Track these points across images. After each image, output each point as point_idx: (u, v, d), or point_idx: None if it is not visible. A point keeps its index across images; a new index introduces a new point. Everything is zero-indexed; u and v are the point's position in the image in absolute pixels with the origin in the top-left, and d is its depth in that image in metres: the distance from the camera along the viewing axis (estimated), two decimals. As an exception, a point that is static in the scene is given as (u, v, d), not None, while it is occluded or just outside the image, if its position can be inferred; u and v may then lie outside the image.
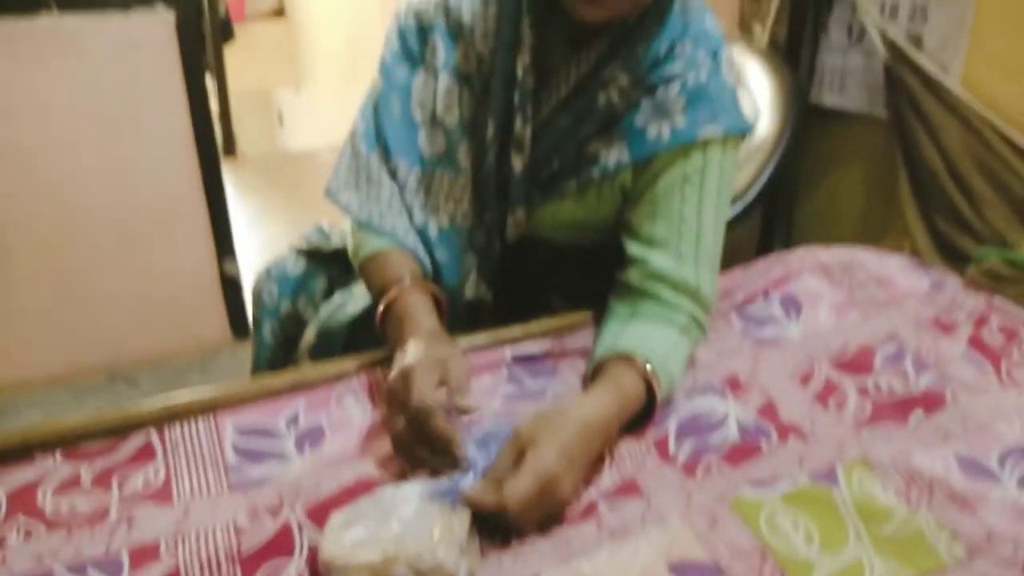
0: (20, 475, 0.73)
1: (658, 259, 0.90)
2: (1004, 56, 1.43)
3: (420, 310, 0.86)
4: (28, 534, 0.67)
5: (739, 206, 1.33)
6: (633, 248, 0.93)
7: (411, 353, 0.77)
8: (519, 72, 0.91)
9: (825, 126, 1.77)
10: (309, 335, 1.06)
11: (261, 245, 3.03)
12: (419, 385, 0.72)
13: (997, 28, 1.44)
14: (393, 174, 0.96)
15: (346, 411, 0.83)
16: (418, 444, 0.72)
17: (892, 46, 1.55)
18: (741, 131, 0.92)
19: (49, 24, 1.94)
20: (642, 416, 0.82)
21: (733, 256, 1.03)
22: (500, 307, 1.03)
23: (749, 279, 1.17)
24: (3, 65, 1.93)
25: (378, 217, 0.94)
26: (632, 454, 0.78)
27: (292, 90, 5.55)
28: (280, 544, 0.66)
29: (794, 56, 1.64)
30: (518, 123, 0.93)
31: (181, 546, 0.66)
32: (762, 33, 1.66)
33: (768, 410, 0.85)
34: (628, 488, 0.74)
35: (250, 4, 5.09)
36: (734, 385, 0.90)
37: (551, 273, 1.07)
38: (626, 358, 0.82)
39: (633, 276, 0.91)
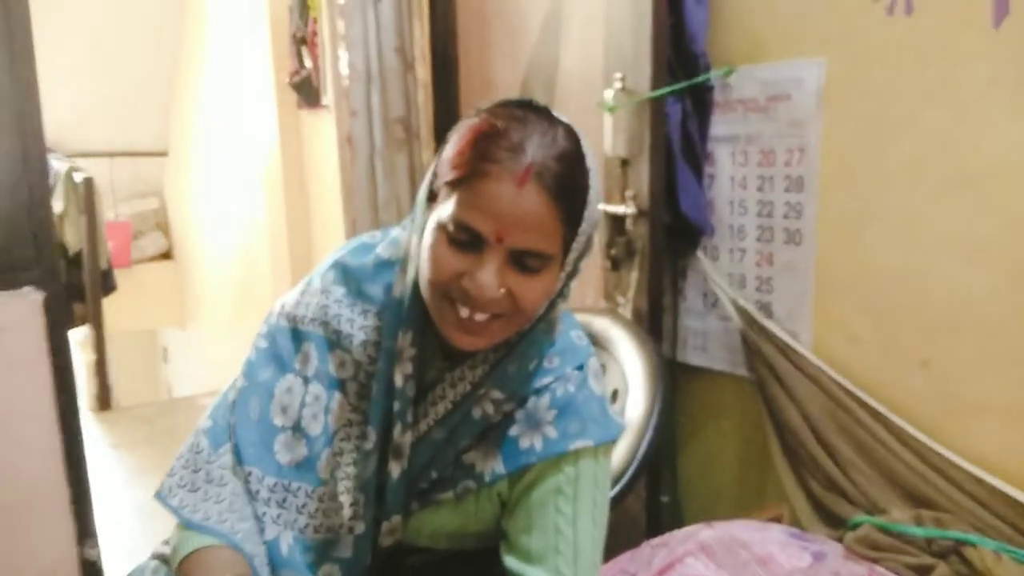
0: None
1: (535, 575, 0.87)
2: (849, 322, 1.56)
3: None
4: None
5: (619, 485, 1.33)
6: (511, 562, 0.90)
7: None
8: (399, 382, 0.91)
9: (696, 382, 1.85)
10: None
11: (138, 507, 2.89)
12: None
13: (838, 295, 1.57)
14: (244, 480, 0.92)
15: None
16: None
17: (744, 313, 1.67)
18: (612, 439, 0.94)
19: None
20: None
21: (622, 532, 1.01)
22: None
23: (636, 567, 1.16)
24: None
25: (216, 517, 0.89)
26: None
27: (178, 328, 5.48)
28: None
29: (656, 323, 1.74)
30: (397, 431, 0.92)
31: None
32: (625, 304, 1.76)
33: None
34: None
35: (137, 248, 5.10)
36: None
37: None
38: None
39: None
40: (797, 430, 1.56)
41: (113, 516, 2.78)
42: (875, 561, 1.27)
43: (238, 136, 3.82)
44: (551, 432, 0.90)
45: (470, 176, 0.81)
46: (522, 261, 0.83)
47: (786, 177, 1.62)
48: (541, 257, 0.83)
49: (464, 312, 0.84)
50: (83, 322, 3.92)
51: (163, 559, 1.04)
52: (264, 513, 0.92)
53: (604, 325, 1.63)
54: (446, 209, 0.83)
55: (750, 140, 1.67)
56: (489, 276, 0.81)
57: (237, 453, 0.93)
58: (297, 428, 0.94)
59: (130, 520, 2.81)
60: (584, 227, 0.85)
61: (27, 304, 1.99)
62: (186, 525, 0.89)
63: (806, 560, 1.26)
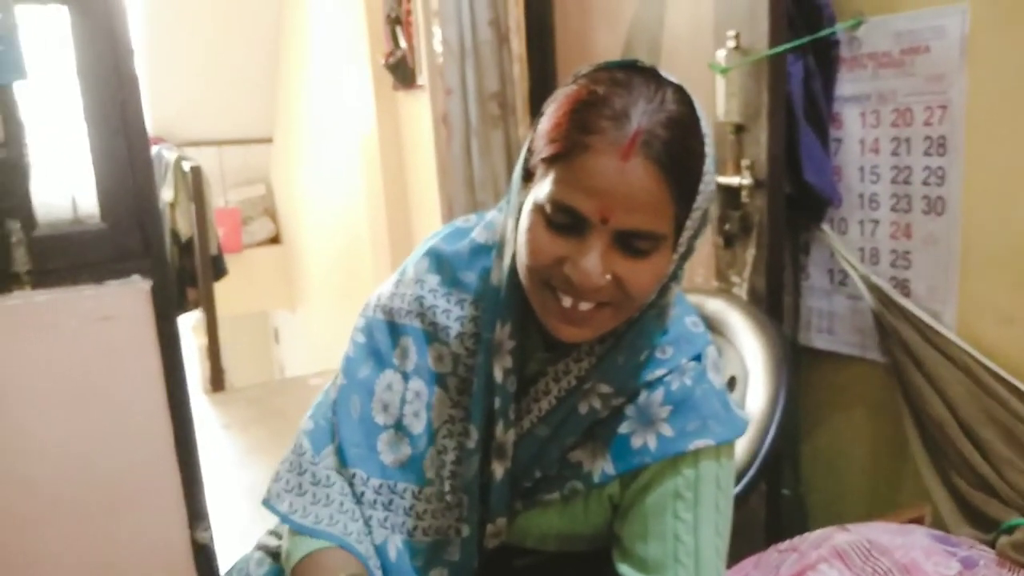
0: None
1: None
2: (1000, 300, 1.38)
3: None
4: None
5: (742, 483, 1.22)
6: (625, 571, 0.82)
7: None
8: (498, 377, 0.84)
9: (821, 367, 1.70)
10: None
11: (250, 486, 2.95)
12: None
13: (987, 271, 1.40)
14: (349, 481, 0.88)
15: None
16: None
17: (877, 291, 1.51)
18: (734, 437, 0.84)
19: (22, 301, 1.93)
20: None
21: (740, 528, 0.91)
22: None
23: (762, 574, 1.05)
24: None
25: (327, 520, 0.85)
26: None
27: (287, 310, 5.63)
28: None
29: (776, 304, 1.60)
30: (499, 429, 0.85)
31: None
32: (741, 284, 1.63)
33: None
34: None
35: (247, 234, 5.25)
36: None
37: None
38: None
39: None
40: (940, 421, 1.40)
41: (225, 497, 2.85)
42: (1037, 571, 1.12)
43: (338, 120, 3.84)
44: (666, 430, 0.81)
45: (568, 151, 0.73)
46: (630, 243, 0.74)
47: (926, 139, 1.45)
48: (651, 238, 0.74)
49: (567, 301, 0.76)
50: (196, 306, 4.05)
51: (267, 551, 1.01)
52: (371, 516, 0.88)
53: (718, 307, 1.51)
54: (543, 188, 0.74)
55: (882, 99, 1.50)
56: (593, 262, 0.73)
57: (340, 454, 0.89)
58: (399, 426, 0.89)
59: (242, 501, 2.88)
60: (699, 201, 0.75)
61: (135, 293, 2.03)
62: (297, 530, 0.86)
63: (954, 568, 1.12)
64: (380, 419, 0.90)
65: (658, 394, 0.82)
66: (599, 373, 0.83)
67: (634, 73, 0.75)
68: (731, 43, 1.57)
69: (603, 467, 0.83)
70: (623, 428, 0.83)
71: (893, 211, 1.51)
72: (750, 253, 1.62)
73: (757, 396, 1.34)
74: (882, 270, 1.54)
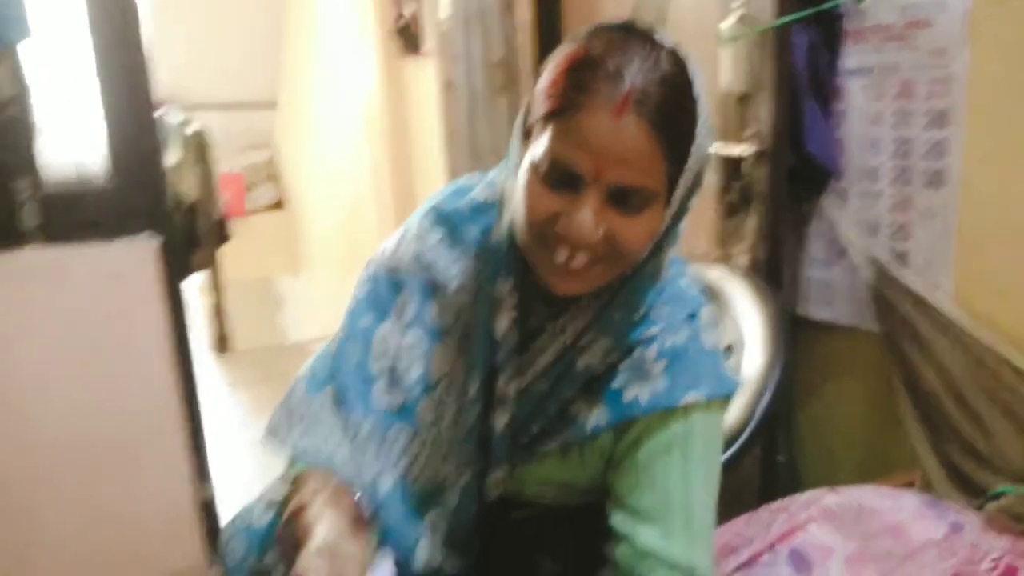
0: None
1: (645, 535, 0.82)
2: (997, 272, 1.40)
3: (330, 514, 0.82)
4: None
5: (735, 446, 1.25)
6: (618, 520, 0.85)
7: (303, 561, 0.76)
8: (499, 330, 0.87)
9: (818, 338, 1.72)
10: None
11: (253, 444, 3.00)
12: None
13: (984, 243, 1.42)
14: (343, 421, 0.93)
15: None
16: None
17: (876, 263, 1.53)
18: (726, 394, 0.87)
19: (31, 257, 1.96)
20: None
21: (735, 493, 0.94)
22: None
23: (753, 532, 1.09)
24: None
25: (311, 451, 0.91)
26: None
27: (292, 276, 5.66)
28: None
29: (776, 274, 1.62)
30: (501, 380, 0.88)
31: None
32: (741, 254, 1.65)
33: None
34: None
35: (250, 200, 5.26)
36: None
37: (539, 534, 0.99)
38: None
39: (621, 554, 0.84)
40: (934, 390, 1.42)
41: (229, 455, 2.90)
42: (1020, 535, 1.16)
43: (343, 86, 3.84)
44: (659, 384, 0.84)
45: (564, 108, 0.75)
46: (622, 199, 0.76)
47: (927, 112, 1.46)
48: (643, 194, 0.76)
49: (562, 256, 0.78)
50: (200, 269, 4.07)
51: (271, 501, 1.04)
52: (366, 451, 0.91)
53: (717, 276, 1.54)
54: (540, 145, 0.77)
55: (886, 72, 1.51)
56: (587, 216, 0.75)
57: (336, 395, 0.93)
58: (393, 374, 0.93)
59: (245, 458, 2.93)
60: (692, 162, 0.77)
61: (143, 251, 2.05)
62: (289, 459, 0.93)
63: (941, 531, 1.15)
64: (376, 367, 0.93)
65: (652, 350, 0.85)
66: (596, 328, 0.85)
67: (631, 34, 0.77)
68: (737, 13, 1.58)
69: (596, 419, 0.86)
70: (616, 382, 0.85)
71: (894, 184, 1.53)
72: (751, 223, 1.64)
73: (753, 363, 1.37)
74: (881, 242, 1.55)
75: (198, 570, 2.22)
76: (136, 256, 2.04)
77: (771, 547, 1.06)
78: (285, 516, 0.85)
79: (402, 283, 0.94)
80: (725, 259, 1.69)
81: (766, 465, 1.71)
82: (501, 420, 0.89)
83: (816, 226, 1.68)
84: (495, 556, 0.96)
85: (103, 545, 2.13)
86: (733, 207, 1.69)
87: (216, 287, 4.22)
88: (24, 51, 1.94)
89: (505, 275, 0.86)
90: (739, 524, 1.18)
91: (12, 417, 1.99)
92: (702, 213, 1.76)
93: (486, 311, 0.88)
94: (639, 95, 0.73)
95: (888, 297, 1.50)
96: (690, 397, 0.83)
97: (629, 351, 0.86)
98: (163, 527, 2.20)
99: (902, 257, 1.53)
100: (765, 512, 1.17)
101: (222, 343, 4.22)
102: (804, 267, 1.71)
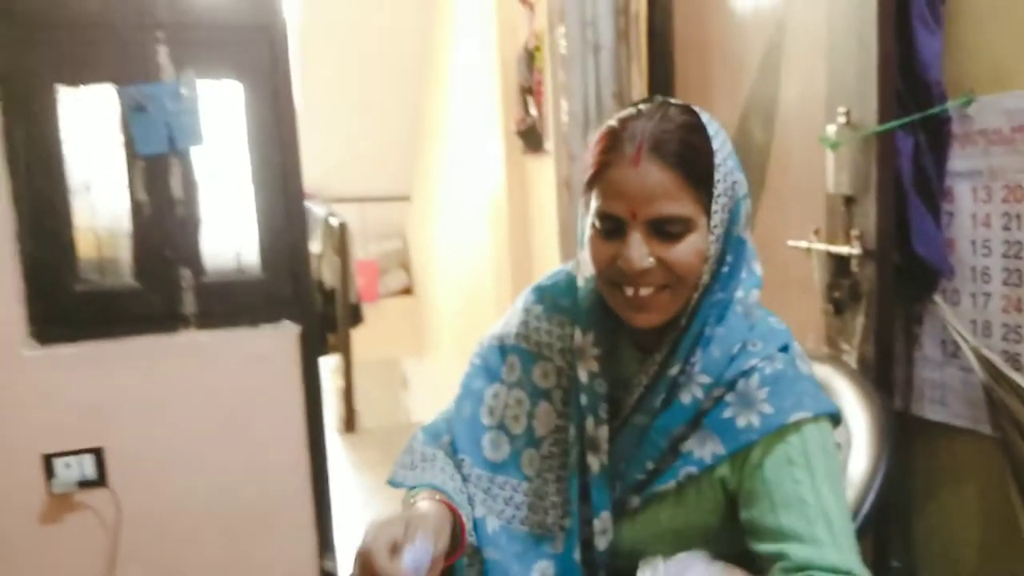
0: None
1: (796, 551, 0.86)
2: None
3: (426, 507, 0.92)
4: None
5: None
6: (764, 547, 0.90)
7: (369, 533, 0.87)
8: (583, 378, 0.99)
9: (935, 439, 1.68)
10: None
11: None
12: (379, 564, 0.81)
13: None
14: (457, 466, 1.04)
15: None
16: None
17: (988, 364, 1.50)
18: (830, 413, 0.95)
19: (187, 339, 2.19)
20: None
21: None
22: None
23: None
24: (146, 375, 2.17)
25: (427, 479, 1.00)
26: None
27: (416, 358, 5.88)
28: None
29: (886, 373, 1.61)
30: (589, 424, 0.99)
31: None
32: (850, 352, 1.65)
33: None
34: None
35: (382, 285, 5.57)
36: None
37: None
38: None
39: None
40: (1054, 499, 1.37)
41: (351, 532, 3.02)
42: None
43: (471, 181, 4.06)
44: (766, 408, 0.92)
45: (599, 172, 0.93)
46: (662, 229, 0.90)
47: (1038, 214, 1.45)
48: (679, 221, 0.90)
49: (629, 291, 0.93)
50: (334, 351, 4.33)
51: None
52: (474, 494, 1.02)
53: (826, 374, 1.54)
54: (591, 208, 0.94)
55: (994, 175, 1.51)
56: (635, 250, 0.90)
57: (452, 445, 1.06)
58: (501, 427, 1.05)
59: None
60: (720, 188, 0.90)
61: (285, 336, 2.26)
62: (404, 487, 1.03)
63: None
64: (486, 420, 1.06)
65: (754, 380, 0.93)
66: (692, 364, 0.94)
67: (645, 103, 0.95)
68: (842, 119, 1.63)
69: (713, 450, 0.93)
70: (726, 413, 0.93)
71: (1005, 284, 1.51)
72: (859, 321, 1.65)
73: (859, 462, 1.36)
74: (994, 343, 1.53)
75: (317, 639, 2.32)
76: (280, 340, 2.25)
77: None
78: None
79: (509, 350, 1.08)
80: (834, 356, 1.70)
81: (879, 570, 1.66)
82: (595, 463, 0.98)
83: (928, 325, 1.67)
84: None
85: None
86: (841, 305, 1.70)
87: (347, 370, 4.45)
88: (195, 156, 2.22)
89: (585, 328, 1.01)
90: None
91: (165, 479, 2.20)
92: (810, 310, 1.77)
93: (577, 363, 1.01)
94: (651, 143, 0.89)
95: (1000, 399, 1.47)
96: (797, 415, 0.91)
97: (732, 384, 0.94)
98: (289, 594, 2.33)
99: (1014, 359, 1.49)
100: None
101: (349, 423, 4.43)
102: (917, 366, 1.69)
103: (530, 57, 3.18)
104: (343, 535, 2.43)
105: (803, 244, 1.80)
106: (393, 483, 1.05)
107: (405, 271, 5.79)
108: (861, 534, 1.28)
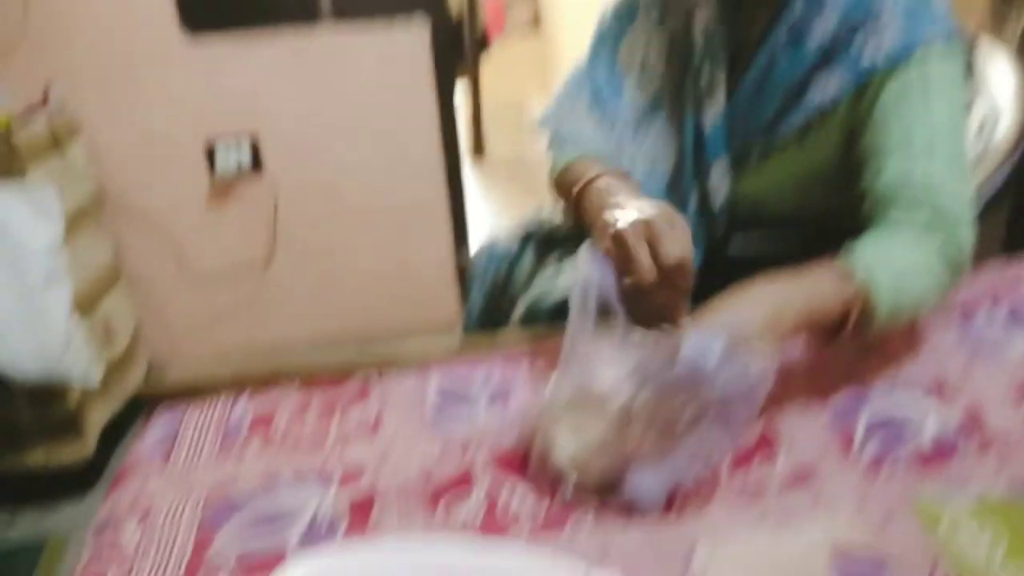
0: (266, 399, 0.87)
1: (888, 170, 0.87)
2: None
3: (626, 186, 0.90)
4: (264, 446, 0.80)
5: (984, 199, 1.22)
6: (867, 173, 0.90)
7: (639, 209, 0.76)
8: (698, 27, 0.97)
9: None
10: (520, 307, 1.13)
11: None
12: (669, 237, 0.72)
13: None
14: (599, 115, 1.04)
15: (533, 375, 0.89)
16: (651, 300, 0.73)
17: None
18: (954, 35, 0.90)
19: (324, 36, 2.20)
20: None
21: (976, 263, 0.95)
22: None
23: (976, 285, 1.08)
24: (291, 68, 2.23)
25: (570, 128, 1.03)
26: (811, 445, 0.76)
27: (542, 101, 5.78)
28: (462, 481, 0.73)
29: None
30: (706, 70, 0.97)
31: (382, 471, 0.75)
32: (1014, 33, 1.50)
33: (973, 419, 0.79)
34: (800, 478, 0.72)
35: (510, 15, 5.38)
36: (939, 388, 0.84)
37: (767, 259, 1.06)
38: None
39: (869, 194, 0.89)
40: None
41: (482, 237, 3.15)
42: None
43: None
44: (889, 40, 0.89)
45: None
46: None
47: None
48: None
49: None
50: (464, 76, 4.32)
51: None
52: (622, 139, 1.03)
53: (983, 52, 1.43)
54: None
55: None
56: None
57: (593, 96, 1.06)
58: (644, 69, 1.03)
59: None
60: None
61: (417, 34, 2.25)
62: (552, 138, 1.06)
63: None
64: (625, 64, 1.05)
65: (881, 13, 0.89)
66: (820, 5, 0.90)
67: None
68: None
69: (838, 85, 0.91)
70: (853, 48, 0.90)
71: None
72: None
73: (1002, 133, 1.30)
74: None
75: (453, 323, 2.53)
76: (411, 39, 2.24)
77: (993, 300, 1.04)
78: (579, 185, 0.93)
79: (637, 5, 1.05)
80: (994, 36, 1.56)
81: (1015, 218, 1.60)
82: (711, 110, 0.97)
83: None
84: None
85: (385, 291, 2.49)
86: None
87: (475, 94, 4.45)
88: None
89: None
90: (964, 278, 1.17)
91: (313, 173, 2.33)
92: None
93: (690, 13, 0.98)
94: None
95: None
96: (922, 46, 0.87)
97: (859, 25, 0.90)
98: (428, 284, 2.52)
99: None
100: (994, 270, 1.15)
101: (477, 146, 4.49)
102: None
103: None
104: (474, 239, 2.54)
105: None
106: (541, 127, 1.08)
107: (531, 2, 5.54)
108: (994, 205, 1.25)
